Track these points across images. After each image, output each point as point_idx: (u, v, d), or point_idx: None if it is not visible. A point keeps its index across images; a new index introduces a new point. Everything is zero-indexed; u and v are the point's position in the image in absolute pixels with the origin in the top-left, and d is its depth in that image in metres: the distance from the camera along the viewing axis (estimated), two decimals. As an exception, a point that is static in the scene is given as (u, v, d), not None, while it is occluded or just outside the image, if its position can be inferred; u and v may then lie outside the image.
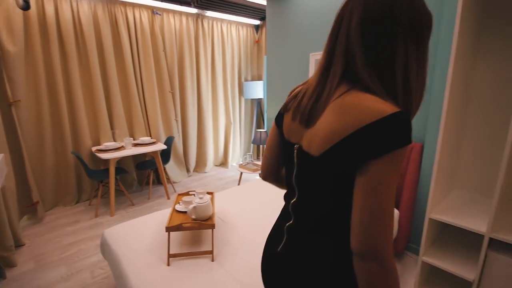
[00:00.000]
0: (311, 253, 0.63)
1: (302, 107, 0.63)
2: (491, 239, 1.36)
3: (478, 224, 1.41)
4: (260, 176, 0.94)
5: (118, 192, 3.36)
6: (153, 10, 3.30)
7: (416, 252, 2.07)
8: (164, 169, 3.59)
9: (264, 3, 3.36)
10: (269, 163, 0.82)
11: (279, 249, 0.71)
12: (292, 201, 0.70)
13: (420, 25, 0.55)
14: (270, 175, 0.84)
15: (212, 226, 1.45)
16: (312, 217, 0.64)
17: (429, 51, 0.58)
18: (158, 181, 3.79)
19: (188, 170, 4.14)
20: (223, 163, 4.62)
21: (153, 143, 3.19)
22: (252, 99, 4.72)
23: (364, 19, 0.54)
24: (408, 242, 2.14)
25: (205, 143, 4.21)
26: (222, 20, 3.98)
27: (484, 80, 1.64)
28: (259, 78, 4.67)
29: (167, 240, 1.43)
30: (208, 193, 1.88)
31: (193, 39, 3.74)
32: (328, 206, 0.60)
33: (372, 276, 0.50)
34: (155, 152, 3.08)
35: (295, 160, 0.66)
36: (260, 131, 3.27)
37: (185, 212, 1.60)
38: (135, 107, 3.33)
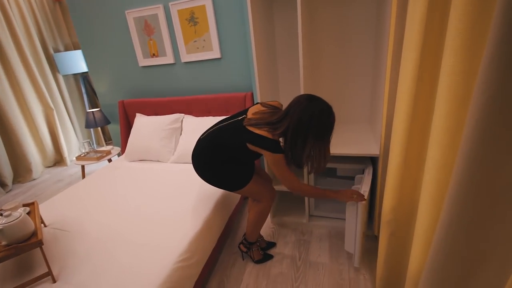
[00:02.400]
0: (207, 152, 1.41)
1: (264, 119, 1.27)
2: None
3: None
4: None
5: None
6: None
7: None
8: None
9: None
10: None
11: (198, 150, 1.45)
12: (216, 128, 1.41)
13: (324, 131, 1.20)
14: None
15: (38, 244, 1.14)
16: (216, 142, 1.38)
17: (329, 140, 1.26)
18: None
19: (4, 185, 3.07)
20: (59, 161, 3.70)
21: None
22: (74, 75, 3.81)
23: (298, 121, 1.17)
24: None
25: (19, 143, 3.17)
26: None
27: (280, 29, 1.95)
28: (77, 47, 3.76)
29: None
30: (26, 204, 1.45)
31: None
32: (224, 141, 1.36)
33: (302, 194, 1.41)
34: None
35: (239, 119, 1.34)
36: (93, 112, 2.70)
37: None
38: None
